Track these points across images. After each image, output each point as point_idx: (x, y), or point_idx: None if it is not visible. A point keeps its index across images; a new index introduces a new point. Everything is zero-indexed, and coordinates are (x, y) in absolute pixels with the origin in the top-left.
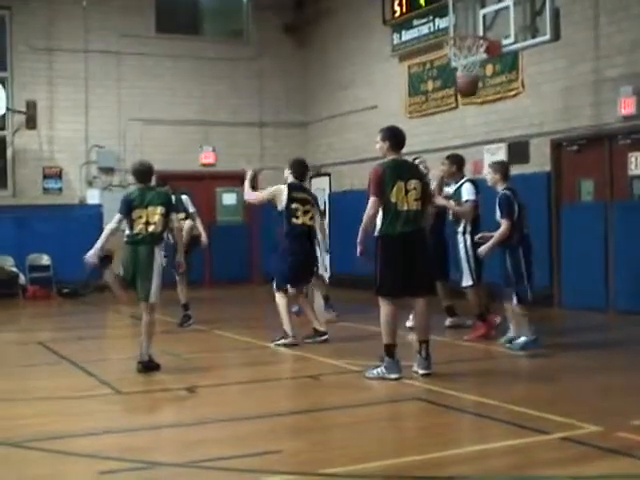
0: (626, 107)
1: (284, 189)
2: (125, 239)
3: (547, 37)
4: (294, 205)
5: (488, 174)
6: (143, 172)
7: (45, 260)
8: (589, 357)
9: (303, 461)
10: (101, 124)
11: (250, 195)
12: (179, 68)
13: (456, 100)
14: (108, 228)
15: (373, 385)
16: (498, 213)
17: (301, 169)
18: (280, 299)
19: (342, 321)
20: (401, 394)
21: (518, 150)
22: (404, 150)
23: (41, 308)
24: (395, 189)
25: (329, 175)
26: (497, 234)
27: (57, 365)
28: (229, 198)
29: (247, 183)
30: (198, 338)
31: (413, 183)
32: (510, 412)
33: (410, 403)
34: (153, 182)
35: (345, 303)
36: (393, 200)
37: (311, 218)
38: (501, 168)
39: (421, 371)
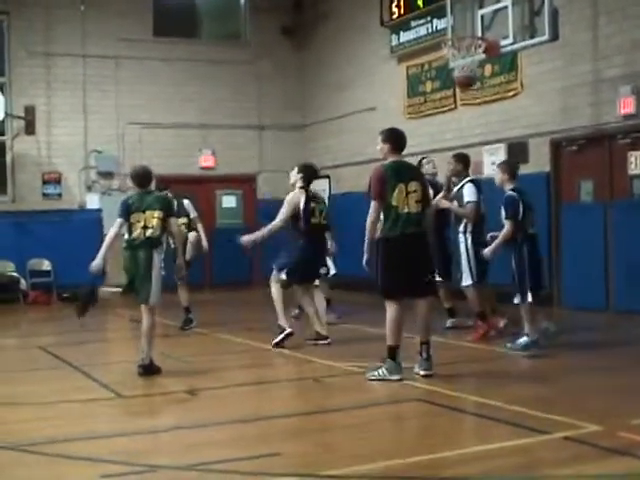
0: (625, 107)
1: (300, 194)
2: (124, 244)
3: (546, 37)
4: (312, 204)
5: (497, 174)
6: (142, 176)
7: (46, 265)
8: (589, 357)
9: (304, 463)
10: (100, 128)
11: (273, 227)
12: (177, 71)
13: (455, 101)
14: (110, 233)
15: (375, 387)
16: (503, 213)
17: (311, 173)
18: (276, 290)
19: (344, 323)
20: (403, 395)
21: (517, 150)
22: (406, 151)
23: (42, 313)
24: (396, 191)
25: (328, 177)
26: (501, 235)
27: (58, 369)
28: (229, 201)
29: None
30: (199, 341)
31: (414, 185)
32: (512, 412)
33: (412, 404)
34: (152, 186)
35: (347, 305)
36: (394, 203)
37: (325, 218)
38: (509, 168)
39: (422, 372)
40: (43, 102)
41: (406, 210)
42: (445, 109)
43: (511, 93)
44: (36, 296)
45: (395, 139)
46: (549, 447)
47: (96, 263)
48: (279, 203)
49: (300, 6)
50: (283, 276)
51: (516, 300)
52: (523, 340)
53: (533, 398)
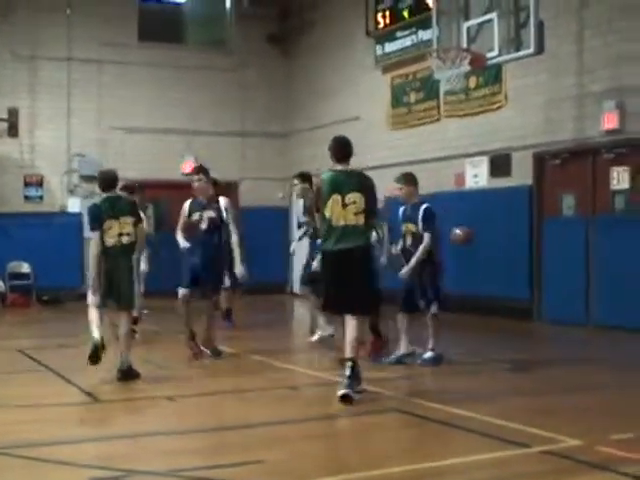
0: (609, 121)
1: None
2: (98, 250)
3: (531, 50)
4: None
5: (400, 189)
6: (109, 180)
7: (25, 268)
8: (569, 371)
9: (283, 471)
10: (83, 132)
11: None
12: (161, 77)
13: (439, 112)
14: (93, 255)
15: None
16: (421, 225)
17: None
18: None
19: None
20: (382, 406)
21: (500, 163)
22: (387, 161)
23: (21, 316)
24: (330, 203)
25: None
26: (422, 249)
27: (37, 373)
28: None
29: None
30: (179, 347)
31: (353, 196)
32: (490, 425)
33: (390, 415)
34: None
35: (330, 316)
36: (328, 215)
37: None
38: (414, 179)
39: (339, 391)
40: (26, 105)
41: (341, 223)
42: (429, 120)
43: (495, 105)
44: (15, 299)
45: (333, 148)
46: (528, 461)
47: (93, 285)
48: (263, 210)
49: (286, 14)
50: None
51: (433, 310)
52: (430, 354)
53: (512, 411)
